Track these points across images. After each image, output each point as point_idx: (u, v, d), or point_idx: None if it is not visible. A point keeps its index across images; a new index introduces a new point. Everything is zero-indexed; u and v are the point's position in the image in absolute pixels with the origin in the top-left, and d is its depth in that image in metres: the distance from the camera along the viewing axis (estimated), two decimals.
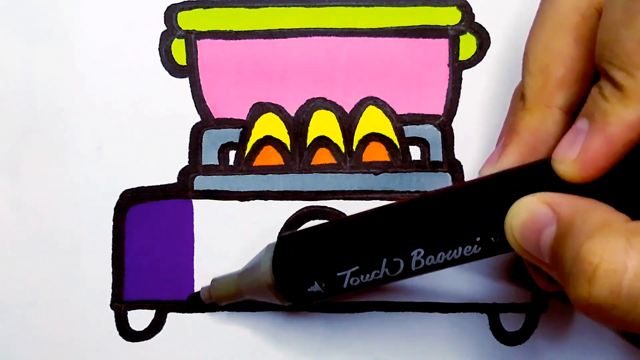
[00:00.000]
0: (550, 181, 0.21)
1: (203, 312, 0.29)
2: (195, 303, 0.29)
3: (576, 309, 0.20)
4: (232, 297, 0.27)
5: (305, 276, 0.25)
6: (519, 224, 0.21)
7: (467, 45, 0.30)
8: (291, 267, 0.25)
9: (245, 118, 0.30)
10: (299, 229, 0.27)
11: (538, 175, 0.22)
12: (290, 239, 0.26)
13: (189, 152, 0.30)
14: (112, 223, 0.29)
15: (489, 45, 0.30)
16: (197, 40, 0.30)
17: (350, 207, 0.29)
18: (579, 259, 0.19)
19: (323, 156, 0.29)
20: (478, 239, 0.22)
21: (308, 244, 0.25)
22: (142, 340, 0.29)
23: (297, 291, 0.25)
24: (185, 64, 0.30)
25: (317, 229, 0.25)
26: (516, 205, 0.22)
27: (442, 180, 0.29)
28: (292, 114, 0.30)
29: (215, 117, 0.30)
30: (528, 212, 0.21)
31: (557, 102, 0.24)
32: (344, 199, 0.29)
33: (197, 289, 0.29)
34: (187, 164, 0.29)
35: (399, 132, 0.29)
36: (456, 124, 0.29)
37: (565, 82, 0.23)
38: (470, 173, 0.29)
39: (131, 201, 0.29)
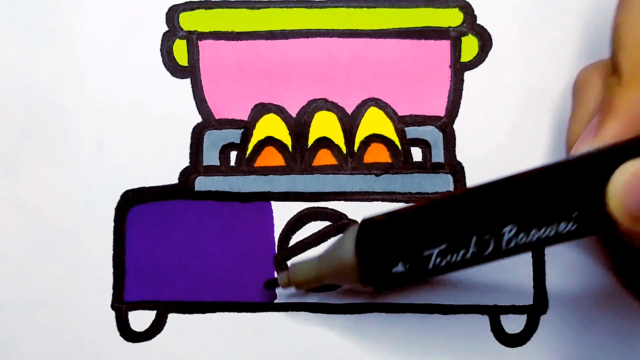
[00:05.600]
0: None
1: (204, 312, 0.29)
2: (272, 287, 0.28)
3: None
4: (311, 282, 0.27)
5: (389, 256, 0.24)
6: (622, 184, 0.21)
7: (469, 46, 0.30)
8: (375, 247, 0.25)
9: (246, 119, 0.30)
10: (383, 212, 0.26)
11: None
12: (374, 220, 0.25)
13: (190, 153, 0.30)
14: (112, 223, 0.29)
15: (491, 47, 0.30)
16: (199, 41, 0.30)
17: (351, 208, 0.29)
18: None
19: (324, 157, 0.29)
20: (575, 214, 0.22)
21: (393, 223, 0.24)
22: (143, 341, 0.29)
23: (381, 272, 0.25)
24: (186, 64, 0.30)
25: (402, 209, 0.25)
26: (618, 170, 0.21)
27: (443, 182, 0.29)
28: (294, 114, 0.30)
29: (217, 117, 0.30)
30: (632, 172, 0.21)
31: None
32: (345, 200, 0.29)
33: (197, 288, 0.29)
34: (188, 164, 0.29)
35: (401, 134, 0.29)
36: (458, 126, 0.29)
37: None
38: (471, 174, 0.29)
39: (132, 202, 0.29)
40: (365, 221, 0.25)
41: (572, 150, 0.24)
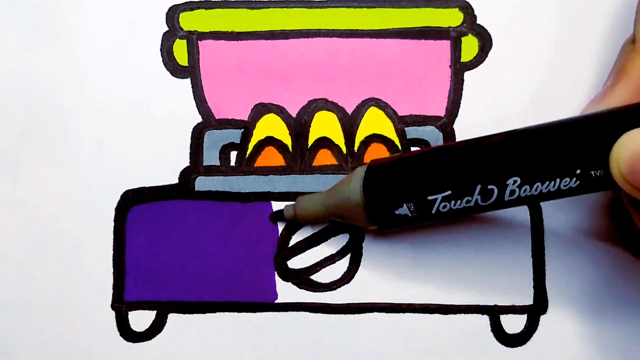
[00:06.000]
0: None
1: (204, 312, 0.29)
2: (277, 220, 0.29)
3: None
4: (317, 216, 0.28)
5: (395, 196, 0.25)
6: (628, 156, 0.21)
7: (469, 46, 0.30)
8: (382, 187, 0.25)
9: (246, 119, 0.30)
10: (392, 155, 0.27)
11: None
12: (383, 162, 0.26)
13: (190, 153, 0.29)
14: (113, 223, 0.29)
15: (491, 47, 0.30)
16: (199, 41, 0.30)
17: None
18: None
19: (324, 157, 0.29)
20: (578, 171, 0.22)
21: (401, 166, 0.25)
22: (143, 341, 0.29)
23: (386, 212, 0.25)
24: (186, 64, 0.30)
25: (412, 153, 0.25)
26: (625, 137, 0.21)
27: None
28: (294, 114, 0.30)
29: (217, 117, 0.30)
30: (639, 144, 0.21)
31: None
32: None
33: (197, 288, 0.29)
34: (188, 164, 0.29)
35: (401, 134, 0.29)
36: (458, 126, 0.29)
37: None
38: None
39: (132, 201, 0.29)
40: (374, 162, 0.26)
41: (582, 111, 0.25)
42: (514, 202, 0.24)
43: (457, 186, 0.24)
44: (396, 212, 0.25)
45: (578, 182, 0.23)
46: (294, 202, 0.28)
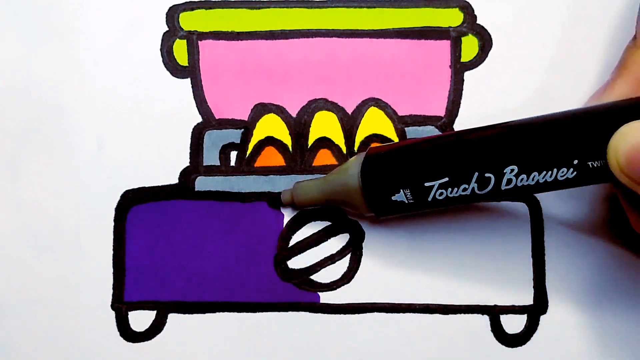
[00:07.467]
0: None
1: (204, 313, 0.29)
2: (274, 205, 0.29)
3: None
4: (313, 201, 0.28)
5: (392, 182, 0.25)
6: (627, 147, 0.21)
7: (469, 46, 0.30)
8: (379, 172, 0.25)
9: (246, 119, 0.30)
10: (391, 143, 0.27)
11: None
12: (381, 149, 0.26)
13: (190, 153, 0.30)
14: (113, 223, 0.29)
15: (491, 47, 0.30)
16: (199, 41, 0.30)
17: None
18: None
19: (324, 157, 0.29)
20: (575, 162, 0.22)
21: (399, 153, 0.25)
22: (143, 341, 0.29)
23: (382, 198, 0.25)
24: (186, 64, 0.30)
25: (410, 141, 0.26)
26: (625, 128, 0.21)
27: None
28: (294, 114, 0.30)
29: (217, 117, 0.30)
30: (638, 136, 0.21)
31: None
32: None
33: (197, 288, 0.29)
34: (188, 164, 0.29)
35: (401, 134, 0.29)
36: (458, 126, 0.29)
37: None
38: None
39: (132, 201, 0.29)
40: (372, 149, 0.26)
41: (584, 105, 0.25)
42: (510, 191, 0.24)
43: (454, 173, 0.24)
44: (392, 198, 0.25)
45: (575, 172, 0.23)
46: (290, 189, 0.28)
